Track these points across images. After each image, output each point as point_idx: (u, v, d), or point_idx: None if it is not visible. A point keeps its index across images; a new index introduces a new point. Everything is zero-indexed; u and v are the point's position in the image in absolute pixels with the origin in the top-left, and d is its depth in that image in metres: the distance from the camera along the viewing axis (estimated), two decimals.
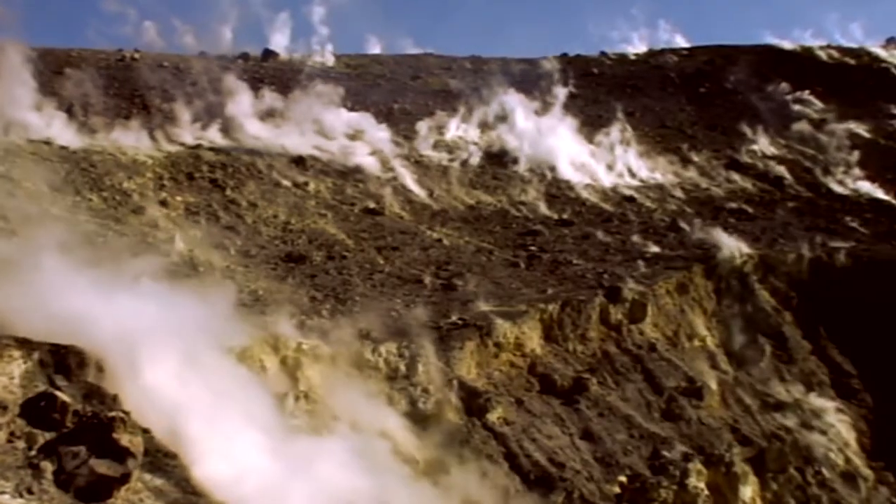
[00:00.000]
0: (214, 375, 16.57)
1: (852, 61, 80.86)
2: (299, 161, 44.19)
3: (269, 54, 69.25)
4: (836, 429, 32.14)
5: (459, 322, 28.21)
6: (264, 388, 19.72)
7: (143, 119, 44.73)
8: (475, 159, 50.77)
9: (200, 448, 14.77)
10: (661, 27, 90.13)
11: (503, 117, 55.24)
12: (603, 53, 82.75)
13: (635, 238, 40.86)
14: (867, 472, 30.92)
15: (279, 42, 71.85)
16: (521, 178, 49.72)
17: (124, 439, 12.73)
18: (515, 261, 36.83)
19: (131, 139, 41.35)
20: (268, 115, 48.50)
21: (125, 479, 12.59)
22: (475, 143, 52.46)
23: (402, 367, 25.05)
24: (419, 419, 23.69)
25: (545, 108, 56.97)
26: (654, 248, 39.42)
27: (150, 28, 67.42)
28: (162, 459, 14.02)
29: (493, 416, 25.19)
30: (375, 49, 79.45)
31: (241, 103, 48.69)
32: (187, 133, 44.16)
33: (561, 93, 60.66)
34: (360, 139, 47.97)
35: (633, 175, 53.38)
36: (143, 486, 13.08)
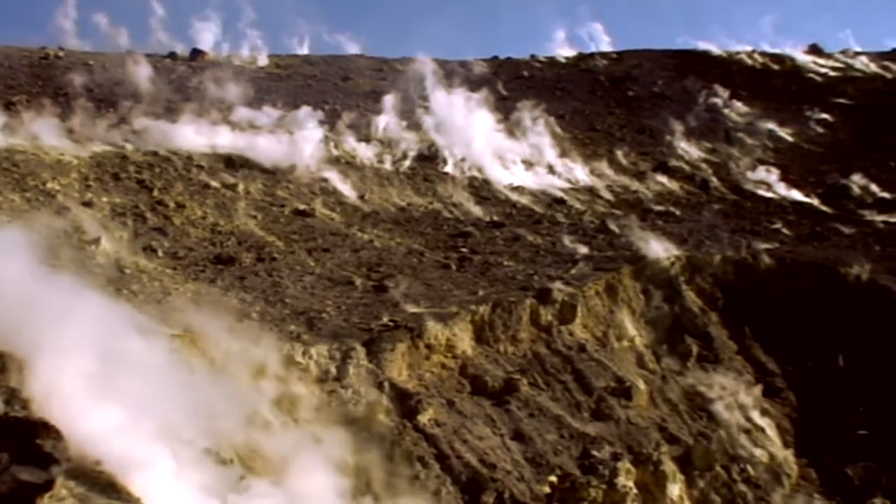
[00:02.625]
0: (139, 380, 16.28)
1: (776, 66, 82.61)
2: (228, 162, 43.77)
3: (197, 53, 68.44)
4: (761, 427, 32.68)
5: (390, 324, 28.17)
6: (192, 392, 19.45)
7: (68, 118, 43.87)
8: (406, 161, 50.76)
9: (121, 455, 14.51)
10: (584, 25, 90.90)
11: (433, 119, 55.24)
12: (533, 57, 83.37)
13: (565, 240, 41.15)
14: (791, 469, 31.49)
15: (207, 41, 71.10)
16: (451, 180, 49.83)
17: (48, 445, 12.47)
18: (446, 262, 36.87)
19: (55, 139, 40.52)
20: (196, 115, 47.87)
21: (48, 485, 12.34)
22: (406, 145, 52.39)
23: (333, 370, 24.95)
24: (350, 422, 23.58)
25: (475, 110, 57.12)
26: (584, 250, 39.74)
27: (74, 25, 66.26)
28: (86, 465, 13.75)
29: (424, 418, 25.17)
30: (305, 50, 79.10)
31: (169, 102, 48.04)
32: (113, 133, 43.42)
33: (491, 95, 60.92)
34: (290, 140, 47.56)
35: (562, 177, 53.80)
36: (68, 493, 12.84)
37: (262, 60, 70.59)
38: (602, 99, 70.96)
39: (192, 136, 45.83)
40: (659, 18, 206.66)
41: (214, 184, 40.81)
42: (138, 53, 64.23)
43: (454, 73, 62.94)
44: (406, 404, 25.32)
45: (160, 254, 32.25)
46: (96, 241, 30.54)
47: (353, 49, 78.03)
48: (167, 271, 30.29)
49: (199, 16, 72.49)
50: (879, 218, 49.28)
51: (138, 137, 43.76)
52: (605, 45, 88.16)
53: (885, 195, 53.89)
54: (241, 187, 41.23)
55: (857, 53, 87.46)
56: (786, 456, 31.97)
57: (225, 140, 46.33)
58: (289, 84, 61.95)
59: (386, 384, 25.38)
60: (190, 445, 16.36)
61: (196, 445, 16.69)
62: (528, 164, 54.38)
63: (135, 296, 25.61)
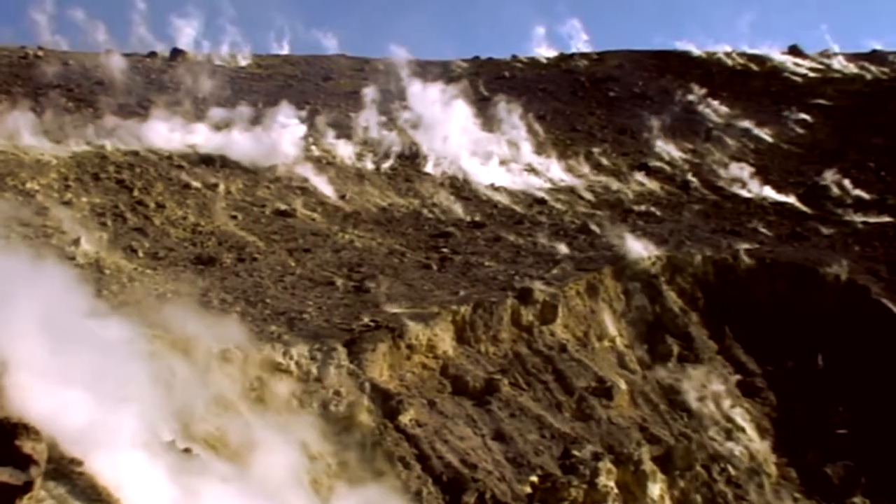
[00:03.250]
0: (120, 380, 16.18)
1: (756, 67, 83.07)
2: (209, 162, 43.65)
3: (177, 53, 68.23)
4: (741, 426, 32.81)
5: (371, 324, 28.12)
6: (172, 392, 19.39)
7: (47, 118, 43.65)
8: (387, 161, 50.74)
9: (103, 457, 14.41)
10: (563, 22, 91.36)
11: (415, 120, 55.24)
12: (514, 57, 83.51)
13: (546, 240, 41.20)
14: (771, 468, 31.64)
15: (187, 37, 70.97)
16: (433, 180, 49.84)
17: (27, 446, 12.37)
18: (427, 263, 36.85)
19: (34, 138, 40.30)
20: (176, 115, 47.70)
21: (28, 487, 12.22)
22: (387, 145, 52.37)
23: (314, 370, 24.88)
24: (331, 422, 23.54)
25: (457, 110, 57.13)
26: (565, 250, 39.78)
27: (49, 20, 66.01)
28: (66, 467, 13.66)
29: (405, 418, 25.14)
30: (286, 50, 79.06)
31: (149, 102, 47.86)
32: (93, 132, 43.21)
33: (473, 96, 61.00)
34: (270, 140, 47.43)
35: (543, 177, 53.88)
36: (47, 495, 12.73)
37: (243, 60, 70.47)
38: (583, 99, 71.11)
39: (173, 135, 45.70)
40: (636, 17, 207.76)
41: (195, 184, 40.66)
42: (118, 53, 64.05)
43: (436, 74, 62.93)
44: (387, 405, 25.28)
45: (140, 254, 32.11)
46: (76, 241, 30.37)
47: (330, 46, 78.04)
48: (147, 272, 30.14)
49: (179, 12, 72.33)
50: (858, 218, 49.60)
51: (118, 137, 43.57)
52: (584, 42, 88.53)
53: (864, 195, 54.24)
54: (221, 187, 41.09)
55: (837, 55, 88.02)
56: (766, 455, 32.12)
57: (205, 140, 46.22)
58: (269, 84, 61.88)
59: (367, 384, 25.34)
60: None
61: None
62: (509, 165, 54.43)
63: (115, 296, 25.48)
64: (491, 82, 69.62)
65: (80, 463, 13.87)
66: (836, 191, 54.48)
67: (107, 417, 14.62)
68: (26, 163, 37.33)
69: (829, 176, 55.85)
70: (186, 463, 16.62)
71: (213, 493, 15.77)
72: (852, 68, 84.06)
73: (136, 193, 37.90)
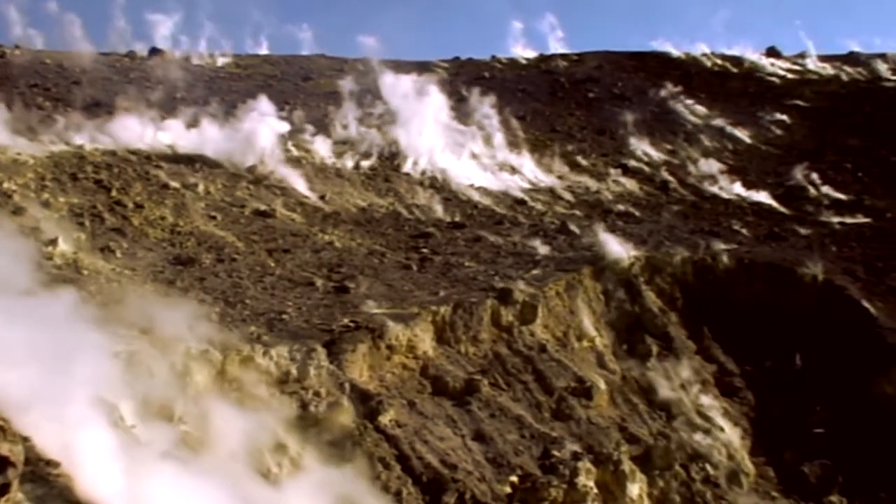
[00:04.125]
0: (97, 383, 16.11)
1: (734, 69, 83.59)
2: (188, 162, 43.48)
3: (155, 52, 68.00)
4: (719, 426, 32.95)
5: (351, 325, 28.08)
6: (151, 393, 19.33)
7: (24, 117, 43.36)
8: (367, 161, 50.71)
9: (80, 458, 14.32)
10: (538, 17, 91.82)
11: (394, 120, 55.21)
12: (494, 58, 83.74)
13: (526, 240, 41.28)
14: (749, 467, 31.79)
15: (165, 33, 70.78)
16: (412, 180, 49.85)
17: (4, 448, 12.28)
18: (407, 263, 36.84)
19: (11, 138, 40.02)
20: (155, 115, 47.50)
21: (5, 489, 12.14)
22: (367, 145, 52.34)
23: (294, 371, 24.82)
24: (311, 423, 23.49)
25: (437, 111, 57.15)
26: (544, 251, 39.85)
27: (27, 20, 65.70)
28: (44, 469, 13.58)
29: (385, 419, 25.12)
30: (265, 49, 78.97)
31: (128, 102, 47.62)
32: (71, 132, 42.97)
33: (453, 96, 61.02)
34: (250, 140, 47.29)
35: (523, 178, 54.00)
36: (24, 497, 12.66)
37: (222, 59, 70.29)
38: (562, 100, 71.32)
39: (151, 135, 45.50)
40: (611, 15, 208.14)
41: (174, 184, 40.49)
42: (96, 52, 63.74)
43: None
44: (367, 405, 25.24)
45: (118, 255, 31.93)
46: (53, 241, 30.17)
47: (305, 39, 78.37)
48: (125, 272, 29.98)
49: (156, 7, 72.20)
50: (835, 219, 49.99)
51: (96, 137, 43.34)
52: (559, 39, 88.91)
53: (842, 196, 54.65)
54: (200, 188, 40.94)
55: (814, 56, 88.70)
56: (744, 455, 32.27)
57: (184, 140, 46.04)
58: (249, 84, 61.71)
59: (347, 385, 25.29)
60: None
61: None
62: (489, 165, 54.52)
63: (93, 297, 25.32)
64: (471, 83, 69.62)
65: (57, 465, 13.80)
66: (813, 191, 54.90)
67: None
68: (3, 162, 37.06)
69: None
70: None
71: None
72: (829, 70, 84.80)
73: (114, 193, 37.69)
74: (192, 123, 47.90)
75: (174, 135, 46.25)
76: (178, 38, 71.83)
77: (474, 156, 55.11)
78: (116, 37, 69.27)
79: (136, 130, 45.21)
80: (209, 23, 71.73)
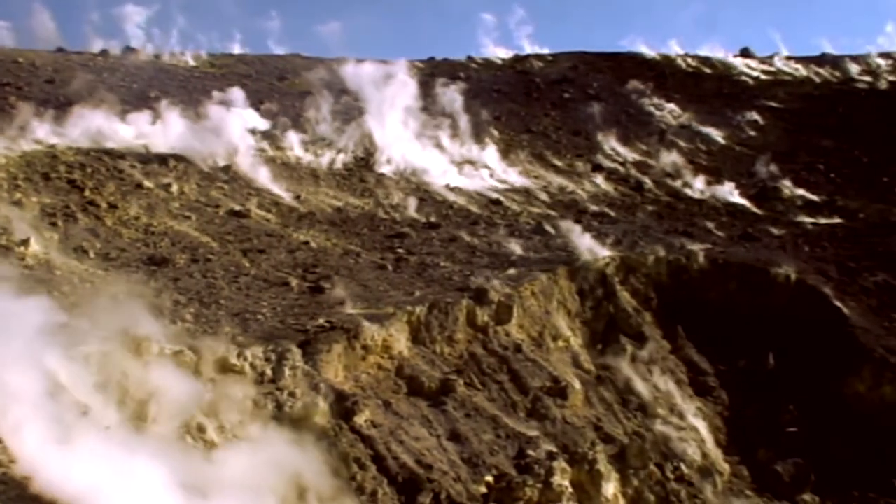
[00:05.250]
0: (69, 382, 16.01)
1: (708, 70, 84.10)
2: (162, 162, 43.23)
3: (129, 51, 67.60)
4: (693, 425, 33.10)
5: (327, 325, 28.00)
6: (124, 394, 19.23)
7: None
8: (342, 161, 50.60)
9: (44, 458, 14.23)
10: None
11: (371, 120, 55.12)
12: (469, 58, 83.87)
13: (501, 240, 41.34)
14: (723, 466, 31.96)
15: (136, 29, 70.49)
16: (388, 180, 49.80)
17: None
18: (383, 263, 36.80)
19: None
20: (128, 114, 47.20)
21: None
22: (342, 145, 52.23)
23: (269, 372, 24.73)
24: (286, 423, 23.41)
25: (413, 111, 57.13)
26: (520, 251, 39.93)
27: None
28: (16, 475, 13.49)
29: (360, 419, 25.07)
30: (237, 48, 78.78)
31: (102, 101, 47.29)
32: (43, 131, 42.62)
33: (429, 96, 61.01)
34: (224, 139, 47.08)
35: (498, 178, 54.06)
36: None
37: (197, 59, 69.96)
38: (538, 101, 71.49)
39: (125, 135, 45.23)
40: (581, 9, 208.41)
41: (147, 184, 40.27)
42: (69, 51, 63.32)
43: (391, 75, 62.78)
44: (342, 405, 25.19)
45: (92, 255, 31.71)
46: (25, 242, 29.91)
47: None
48: (99, 272, 29.77)
49: (131, 9, 71.82)
50: (808, 219, 50.38)
51: (69, 136, 43.03)
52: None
53: (814, 197, 55.08)
54: (174, 187, 40.74)
55: (789, 58, 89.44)
56: (718, 454, 32.45)
57: (157, 139, 45.77)
58: (223, 83, 61.38)
59: (322, 385, 25.22)
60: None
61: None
62: (465, 165, 54.54)
63: (66, 297, 25.14)
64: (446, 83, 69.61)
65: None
66: (787, 192, 55.30)
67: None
68: None
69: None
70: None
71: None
72: (802, 71, 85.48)
73: (87, 193, 37.42)
74: (166, 123, 47.59)
75: (147, 134, 45.98)
76: (150, 32, 71.53)
77: (449, 156, 55.10)
78: (90, 29, 68.85)
79: (109, 130, 44.90)
80: (181, 16, 71.29)
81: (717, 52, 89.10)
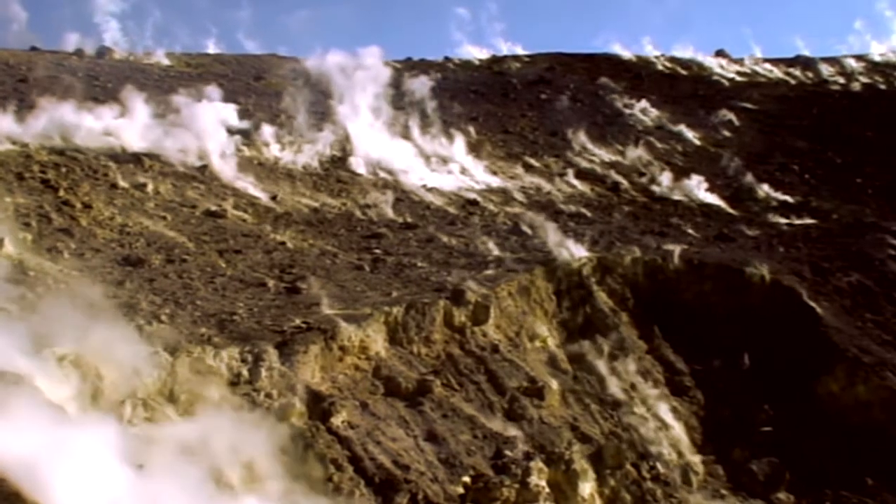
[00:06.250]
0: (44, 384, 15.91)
1: (684, 72, 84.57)
2: (137, 161, 42.99)
3: (104, 51, 67.16)
4: (669, 425, 33.26)
5: (303, 326, 27.93)
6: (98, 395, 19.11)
7: None
8: (319, 162, 50.46)
9: (23, 458, 14.10)
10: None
11: (348, 120, 55.01)
12: (447, 59, 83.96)
13: (478, 241, 41.36)
14: (699, 466, 32.12)
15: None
16: (365, 181, 49.72)
17: None
18: (360, 264, 36.75)
19: None
20: (104, 113, 46.87)
21: None
22: (319, 146, 52.09)
23: (245, 373, 24.65)
24: (262, 424, 23.32)
25: (388, 112, 57.09)
26: (497, 251, 39.99)
27: None
28: None
29: (337, 420, 25.03)
30: (212, 47, 78.55)
31: (76, 100, 46.94)
32: (17, 131, 42.27)
33: (405, 98, 61.02)
34: (200, 140, 46.84)
35: (476, 179, 54.10)
36: None
37: (172, 58, 69.60)
38: (515, 102, 71.63)
39: (100, 134, 44.90)
40: (553, 8, 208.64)
41: (123, 184, 40.01)
42: (44, 50, 62.87)
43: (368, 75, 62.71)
44: (319, 406, 25.14)
45: (66, 255, 31.48)
46: None
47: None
48: (73, 273, 29.54)
49: (105, 10, 71.41)
50: (783, 220, 50.75)
51: (43, 136, 42.68)
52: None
53: (789, 198, 55.50)
54: (150, 187, 40.50)
55: (763, 59, 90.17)
56: (693, 453, 32.61)
57: (134, 139, 45.50)
58: (200, 83, 61.08)
59: (299, 386, 25.17)
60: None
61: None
62: (441, 165, 54.55)
63: (40, 298, 24.95)
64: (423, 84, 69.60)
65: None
66: (761, 193, 55.69)
67: None
68: None
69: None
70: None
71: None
72: (777, 72, 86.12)
73: (61, 193, 37.13)
74: (141, 122, 47.30)
75: (124, 134, 45.66)
76: (126, 24, 71.14)
77: (426, 156, 55.11)
78: (62, 25, 68.41)
79: (84, 129, 44.56)
80: (156, 9, 71.12)
81: (690, 51, 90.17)
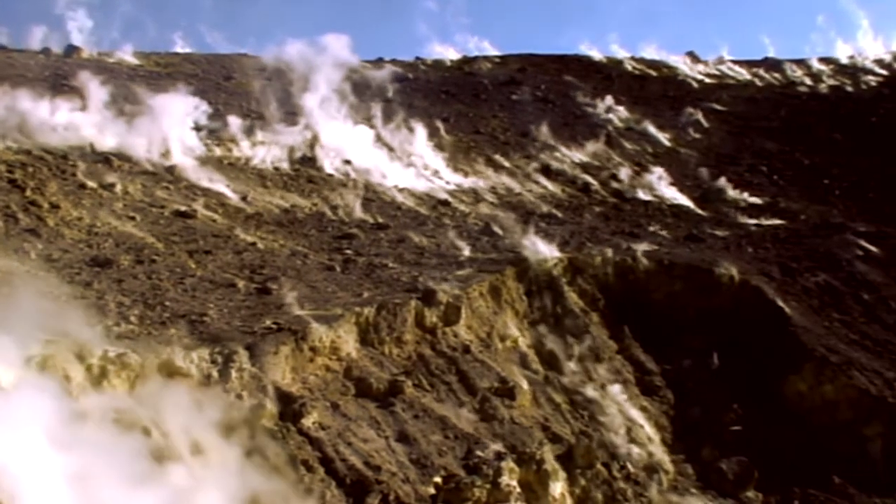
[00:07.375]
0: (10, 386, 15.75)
1: (654, 73, 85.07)
2: (106, 161, 42.67)
3: (72, 50, 66.63)
4: (640, 424, 33.39)
5: (274, 326, 27.83)
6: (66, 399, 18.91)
7: None
8: (289, 162, 50.27)
9: None
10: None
11: (317, 120, 54.85)
12: (418, 59, 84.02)
13: (450, 242, 41.38)
14: (669, 465, 32.27)
15: (80, 36, 69.49)
16: (335, 181, 49.59)
17: None
18: (331, 264, 36.63)
19: None
20: (71, 112, 46.47)
21: None
22: (290, 146, 51.90)
23: (215, 374, 24.52)
24: (232, 426, 23.21)
25: (360, 111, 57.01)
26: (468, 252, 40.01)
27: None
28: None
29: (308, 421, 24.96)
30: (179, 46, 78.13)
31: (42, 99, 46.50)
32: None
33: (376, 97, 60.96)
34: (169, 140, 46.55)
35: (446, 179, 54.12)
36: None
37: (141, 58, 69.12)
38: (486, 102, 71.68)
39: (67, 134, 44.53)
40: (519, 4, 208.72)
41: (91, 184, 39.69)
42: (10, 49, 62.25)
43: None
44: (290, 407, 25.06)
45: (33, 256, 31.19)
46: None
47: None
48: (40, 274, 29.28)
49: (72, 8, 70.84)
50: (752, 221, 51.12)
51: (9, 135, 42.25)
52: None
53: (757, 199, 55.90)
54: (118, 187, 40.20)
55: (732, 61, 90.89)
56: (663, 452, 32.75)
57: (102, 138, 45.16)
58: (168, 82, 60.70)
59: (269, 387, 25.07)
60: None
61: None
62: (413, 166, 54.52)
63: (6, 299, 24.70)
64: (394, 83, 69.56)
65: None
66: (731, 194, 56.07)
67: None
68: None
69: (724, 180, 57.56)
70: None
71: None
72: (746, 74, 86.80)
73: (28, 193, 36.79)
74: (110, 121, 46.95)
75: (91, 133, 45.31)
76: (93, 15, 70.57)
77: (398, 157, 55.07)
78: (30, 33, 67.69)
79: (51, 129, 44.20)
80: (127, 9, 70.60)
81: (658, 50, 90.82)
